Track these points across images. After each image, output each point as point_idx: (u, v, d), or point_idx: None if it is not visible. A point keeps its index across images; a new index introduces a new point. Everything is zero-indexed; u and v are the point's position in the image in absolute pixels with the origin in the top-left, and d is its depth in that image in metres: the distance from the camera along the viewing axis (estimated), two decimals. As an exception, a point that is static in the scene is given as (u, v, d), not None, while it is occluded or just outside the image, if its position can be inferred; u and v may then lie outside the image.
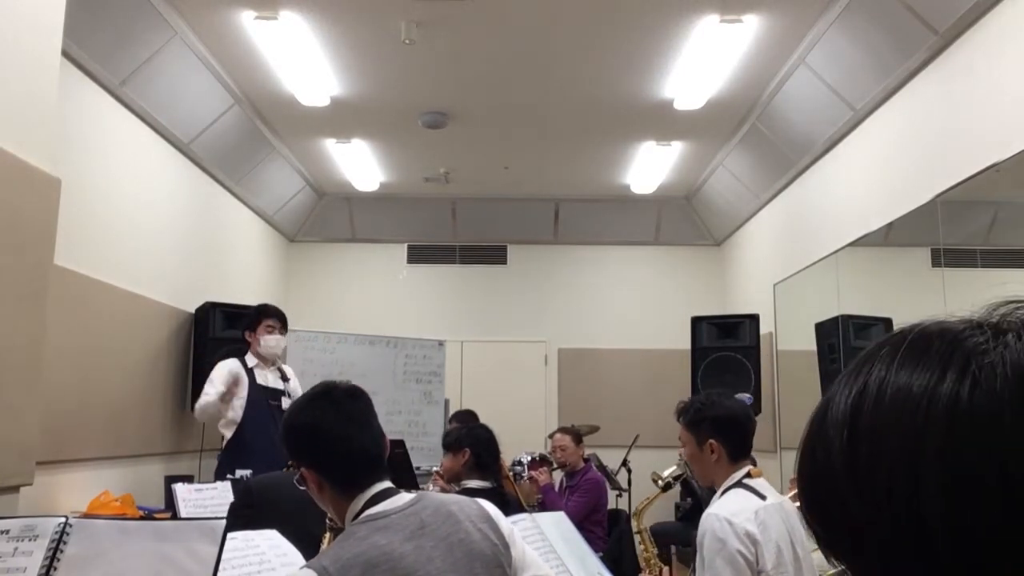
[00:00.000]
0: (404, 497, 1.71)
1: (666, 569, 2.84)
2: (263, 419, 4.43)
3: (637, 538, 2.94)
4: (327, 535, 1.99)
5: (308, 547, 2.10)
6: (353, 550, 1.56)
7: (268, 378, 4.59)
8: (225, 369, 4.58)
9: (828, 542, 0.57)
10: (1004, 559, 0.49)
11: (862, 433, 0.54)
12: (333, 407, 1.74)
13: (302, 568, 1.56)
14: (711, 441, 2.43)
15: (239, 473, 4.25)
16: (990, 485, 0.49)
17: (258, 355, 4.62)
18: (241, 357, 4.64)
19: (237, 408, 4.54)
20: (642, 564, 2.94)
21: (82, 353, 4.41)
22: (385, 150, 7.00)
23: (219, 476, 4.37)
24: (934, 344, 0.55)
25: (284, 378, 4.59)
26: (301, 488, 1.75)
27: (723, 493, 2.41)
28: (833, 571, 2.29)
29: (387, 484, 1.72)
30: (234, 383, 4.54)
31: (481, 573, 1.66)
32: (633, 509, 2.99)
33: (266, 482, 2.54)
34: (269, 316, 4.62)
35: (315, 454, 1.72)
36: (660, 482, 3.44)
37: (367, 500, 1.68)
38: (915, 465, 0.51)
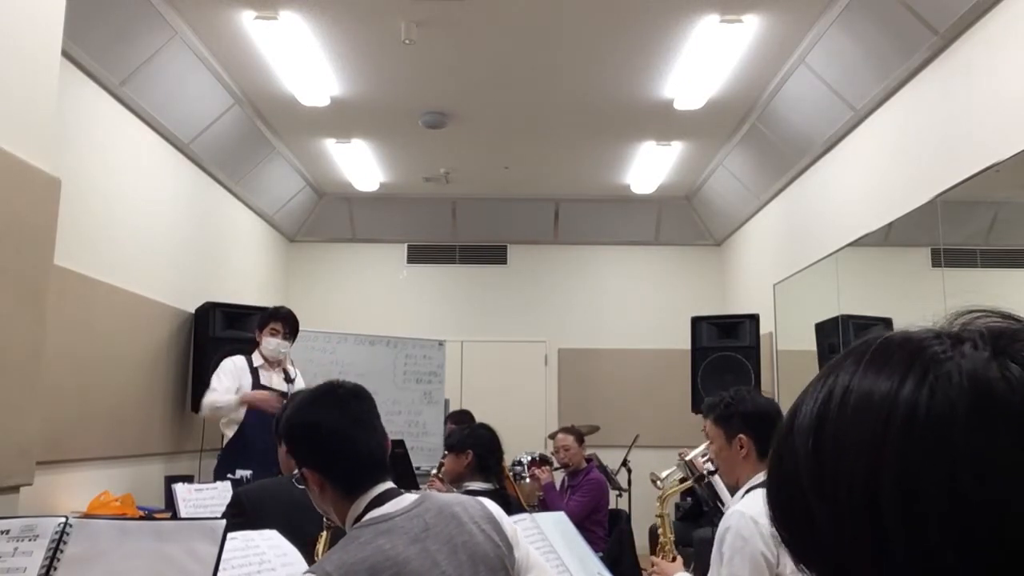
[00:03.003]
0: (407, 498, 1.68)
1: (680, 559, 2.81)
2: (265, 420, 4.41)
3: (657, 523, 2.92)
4: (324, 535, 1.97)
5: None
6: (357, 555, 1.53)
7: (273, 379, 4.58)
8: (231, 364, 4.57)
9: (795, 548, 0.58)
10: (957, 566, 0.49)
11: (826, 440, 0.55)
12: (337, 407, 1.71)
13: (305, 573, 1.54)
14: (741, 436, 2.40)
15: (239, 473, 4.24)
16: (942, 491, 0.50)
17: (263, 355, 4.61)
18: (249, 355, 4.64)
19: (240, 408, 4.54)
20: (658, 548, 2.92)
21: (82, 353, 4.41)
22: (385, 150, 7.00)
23: (218, 476, 4.35)
24: (896, 352, 0.56)
25: (288, 379, 4.57)
26: (300, 487, 1.72)
27: (747, 491, 2.37)
28: None
29: (389, 485, 1.69)
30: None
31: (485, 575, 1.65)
32: (661, 493, 2.96)
33: (256, 491, 2.53)
34: (277, 319, 4.60)
35: (318, 455, 1.68)
36: (660, 483, 3.43)
37: (369, 502, 1.64)
38: (875, 471, 0.52)
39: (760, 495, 2.30)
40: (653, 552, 2.94)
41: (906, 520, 0.51)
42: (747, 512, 2.24)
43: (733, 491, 2.52)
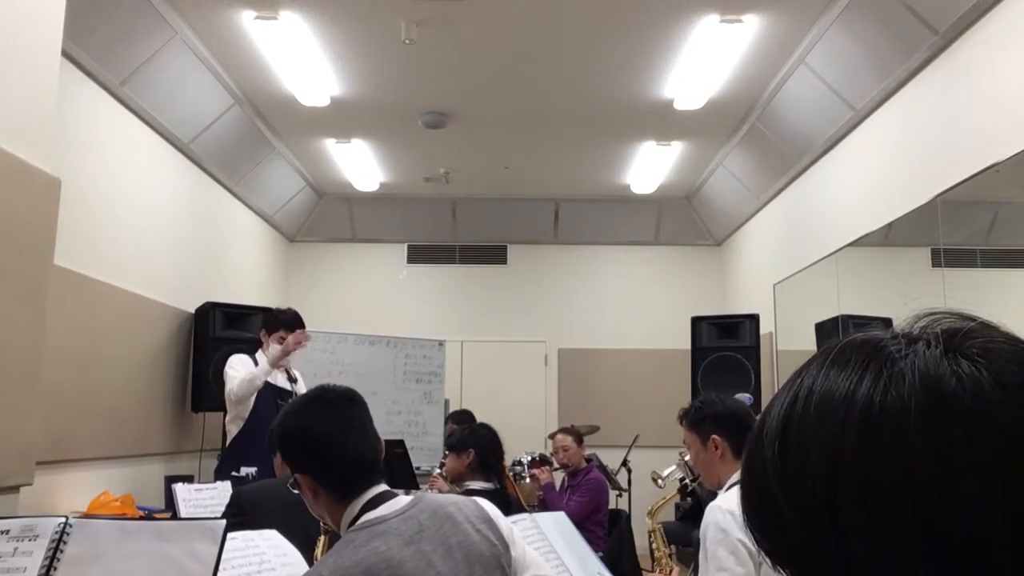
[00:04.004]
0: (401, 500, 1.68)
1: (677, 569, 2.83)
2: (270, 417, 4.38)
3: (650, 536, 2.93)
4: (322, 538, 1.97)
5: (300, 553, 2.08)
6: (352, 558, 1.53)
7: (277, 378, 4.58)
8: (240, 359, 4.57)
9: (768, 549, 0.59)
10: (916, 561, 0.50)
11: (791, 443, 0.56)
12: (328, 412, 1.71)
13: None
14: (714, 437, 2.46)
15: (244, 470, 4.24)
16: (897, 488, 0.51)
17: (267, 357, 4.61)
18: (252, 354, 4.64)
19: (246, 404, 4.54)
20: (654, 563, 2.93)
21: (82, 353, 4.41)
22: (385, 150, 7.00)
23: (221, 473, 4.35)
24: (855, 354, 0.57)
25: (291, 379, 4.58)
26: (295, 492, 1.72)
27: (728, 488, 2.42)
28: None
29: (383, 487, 1.69)
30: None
31: (481, 575, 1.64)
32: (649, 508, 2.98)
33: (255, 491, 2.53)
34: (287, 328, 4.58)
35: (309, 460, 1.68)
36: (661, 481, 3.44)
37: (363, 505, 1.64)
38: (834, 469, 0.53)
39: (738, 490, 2.34)
40: (655, 562, 2.95)
41: (864, 517, 0.52)
42: (724, 505, 2.30)
43: (713, 494, 2.55)
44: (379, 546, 1.56)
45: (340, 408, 1.73)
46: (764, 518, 0.58)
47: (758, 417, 0.62)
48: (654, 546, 2.90)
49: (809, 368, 0.59)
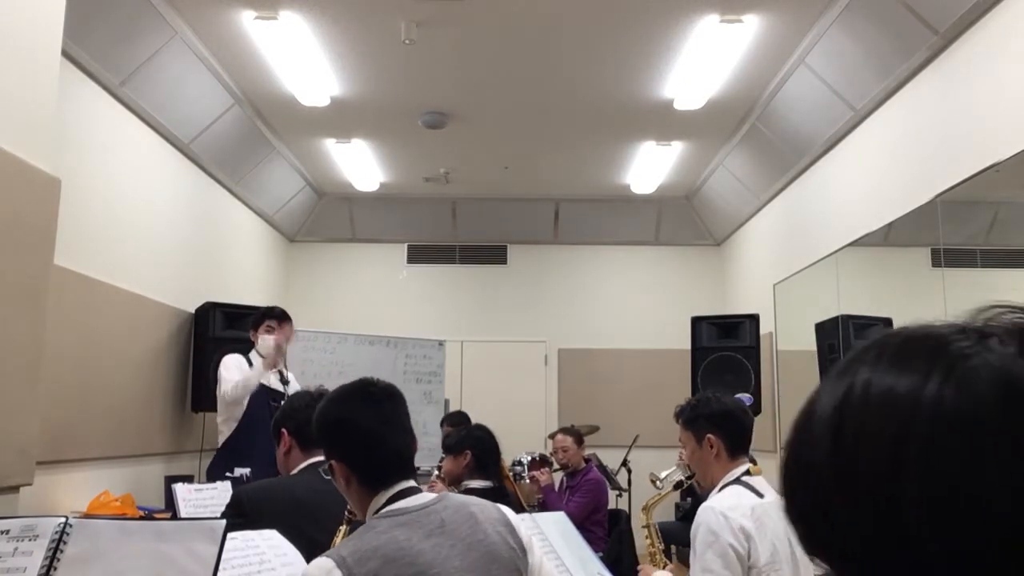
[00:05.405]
0: (426, 496, 1.74)
1: (671, 564, 2.83)
2: (263, 418, 4.40)
3: (644, 532, 2.93)
4: (343, 528, 2.01)
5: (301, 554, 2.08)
6: (372, 543, 1.58)
7: (270, 379, 4.58)
8: (234, 359, 4.59)
9: (810, 541, 0.58)
10: (986, 561, 0.50)
11: (847, 434, 0.55)
12: (370, 404, 1.77)
13: (321, 557, 1.58)
14: (709, 436, 2.46)
15: (238, 471, 4.24)
16: (969, 488, 0.50)
17: (260, 355, 4.62)
18: (246, 355, 4.65)
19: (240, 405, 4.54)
20: (647, 558, 2.94)
21: (82, 353, 4.41)
22: (385, 150, 7.00)
23: (213, 474, 4.35)
24: (920, 347, 0.56)
25: (283, 380, 4.57)
26: (327, 478, 1.79)
27: (721, 488, 2.42)
28: (819, 572, 2.29)
29: (411, 483, 1.75)
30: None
31: (498, 574, 1.68)
32: (644, 503, 2.98)
33: (256, 492, 2.53)
34: (271, 317, 4.63)
35: (348, 449, 1.75)
36: (659, 483, 3.44)
37: (390, 496, 1.70)
38: (898, 466, 0.52)
39: (731, 491, 2.36)
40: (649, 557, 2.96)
41: (931, 513, 0.51)
42: (717, 507, 2.30)
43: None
44: (399, 535, 1.61)
45: (383, 403, 1.79)
46: (809, 507, 0.58)
47: (801, 408, 0.60)
48: (648, 542, 2.90)
49: (863, 360, 0.58)
